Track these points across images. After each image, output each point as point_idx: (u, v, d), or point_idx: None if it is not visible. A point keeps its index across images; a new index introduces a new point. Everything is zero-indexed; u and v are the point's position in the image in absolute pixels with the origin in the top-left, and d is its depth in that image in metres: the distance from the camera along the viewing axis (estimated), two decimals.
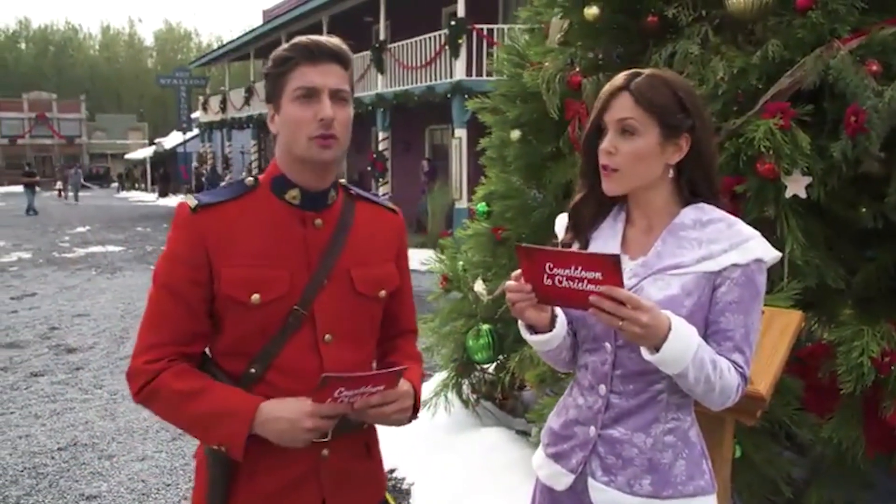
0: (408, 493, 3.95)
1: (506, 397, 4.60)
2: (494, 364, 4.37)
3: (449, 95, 14.01)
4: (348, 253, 1.60)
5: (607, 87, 1.55)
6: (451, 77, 14.23)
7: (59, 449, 4.64)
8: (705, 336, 1.51)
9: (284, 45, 1.54)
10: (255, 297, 1.51)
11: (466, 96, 4.41)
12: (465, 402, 4.50)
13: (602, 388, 1.59)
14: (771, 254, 1.52)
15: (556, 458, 1.67)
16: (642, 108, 1.49)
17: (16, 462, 4.45)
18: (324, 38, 1.54)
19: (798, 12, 2.69)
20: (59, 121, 55.63)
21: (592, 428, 1.60)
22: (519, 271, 1.49)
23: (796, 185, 2.51)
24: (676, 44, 3.09)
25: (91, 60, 75.80)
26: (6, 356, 6.85)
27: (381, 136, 16.93)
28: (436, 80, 14.80)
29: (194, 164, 33.24)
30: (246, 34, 24.98)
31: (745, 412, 2.01)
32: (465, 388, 4.52)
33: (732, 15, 2.95)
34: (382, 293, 1.66)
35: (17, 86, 61.35)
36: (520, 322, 1.60)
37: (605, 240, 1.64)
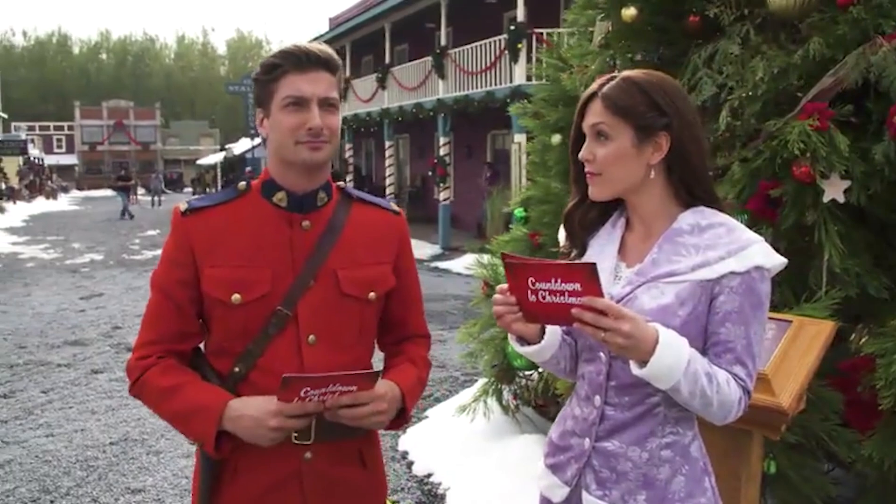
0: (443, 497, 3.93)
1: (546, 404, 4.54)
2: (535, 370, 4.32)
3: (508, 100, 13.95)
4: (337, 254, 1.60)
5: (584, 95, 1.54)
6: (510, 82, 14.19)
7: (111, 443, 4.78)
8: (705, 347, 1.45)
9: (273, 52, 1.56)
10: (236, 296, 1.53)
11: (526, 101, 4.38)
12: (505, 409, 4.45)
13: (597, 399, 1.54)
14: (774, 260, 1.45)
15: (553, 469, 1.63)
16: (611, 111, 1.47)
17: (70, 454, 4.61)
18: (312, 45, 1.55)
19: (840, 8, 2.57)
20: (135, 128, 57.83)
21: (587, 440, 1.55)
22: (505, 285, 1.46)
23: (834, 189, 2.39)
24: (717, 44, 3.00)
25: (166, 69, 78.51)
26: (70, 353, 7.11)
27: (442, 141, 16.97)
28: (496, 84, 14.78)
29: (248, 168, 33.94)
30: (310, 41, 25.36)
31: (767, 426, 1.93)
32: (506, 395, 4.47)
33: (774, 13, 2.85)
34: (372, 295, 1.64)
35: (97, 94, 64.09)
36: (510, 335, 1.57)
37: (602, 246, 1.59)
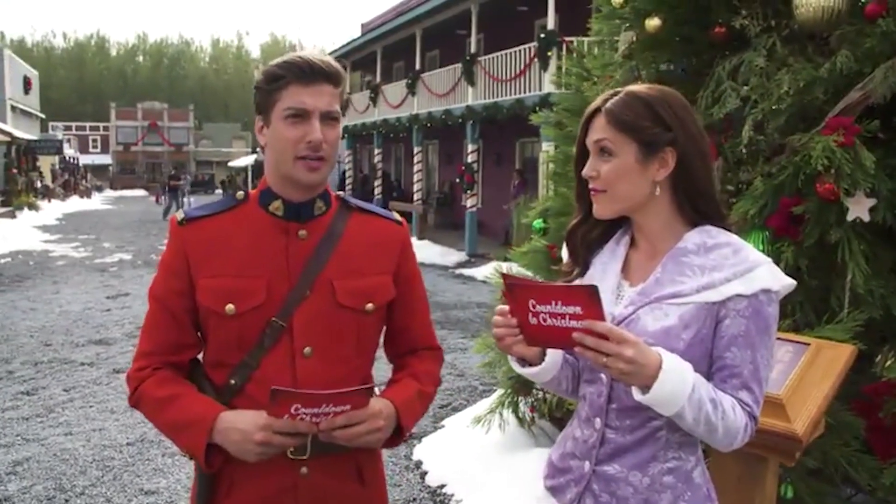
0: None
1: (563, 417, 4.47)
2: None
3: (537, 108, 13.88)
4: (334, 264, 1.57)
5: (587, 110, 1.50)
6: (540, 90, 14.12)
7: (128, 444, 4.81)
8: (710, 372, 1.40)
9: (276, 62, 1.53)
10: (230, 307, 1.50)
11: (549, 110, 4.34)
12: (521, 421, 4.40)
13: (597, 422, 1.49)
14: (781, 282, 1.39)
15: (553, 491, 1.58)
16: (615, 127, 1.42)
17: (87, 454, 4.65)
18: (317, 57, 1.52)
19: (868, 20, 2.50)
20: (168, 129, 58.61)
21: (587, 463, 1.50)
22: (504, 306, 1.41)
23: (859, 207, 2.32)
24: (742, 55, 2.94)
25: (201, 72, 79.59)
26: (94, 352, 7.18)
27: (470, 148, 16.95)
28: (525, 92, 14.72)
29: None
30: (342, 47, 25.57)
31: (781, 452, 1.86)
32: (522, 407, 4.42)
33: (802, 25, 2.78)
34: (370, 306, 1.60)
35: (133, 96, 65.17)
36: (510, 357, 1.52)
37: (605, 264, 1.55)
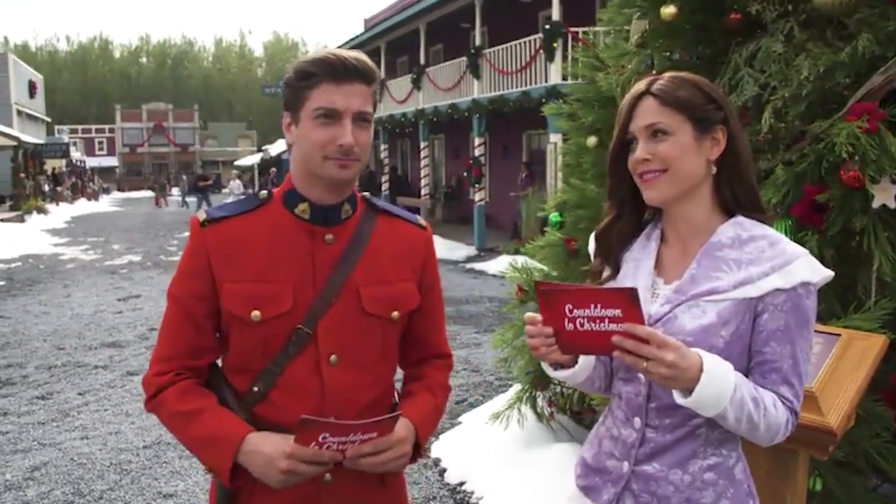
0: None
1: (582, 412, 4.44)
2: None
3: (544, 100, 13.81)
4: (360, 270, 1.53)
5: (629, 96, 1.45)
6: (546, 81, 14.06)
7: (145, 447, 4.80)
8: (749, 367, 1.37)
9: (308, 58, 1.47)
10: (256, 313, 1.47)
11: (561, 101, 4.29)
12: (539, 416, 4.37)
13: (637, 422, 1.46)
14: (820, 275, 1.36)
15: (587, 491, 1.55)
16: (670, 107, 1.39)
17: (104, 457, 4.64)
18: (350, 55, 1.45)
19: (890, 3, 2.45)
20: (174, 130, 58.67)
21: (626, 463, 1.47)
22: (534, 314, 1.37)
23: (885, 195, 2.27)
24: (759, 42, 2.89)
25: (205, 71, 79.61)
26: (107, 355, 7.18)
27: (477, 141, 16.89)
28: (531, 84, 14.66)
29: (272, 170, 34.02)
30: (345, 43, 25.51)
31: (815, 446, 1.82)
32: (540, 402, 4.39)
33: (820, 9, 2.73)
34: (396, 314, 1.57)
35: (137, 97, 65.27)
36: (543, 362, 1.49)
37: (637, 261, 1.51)
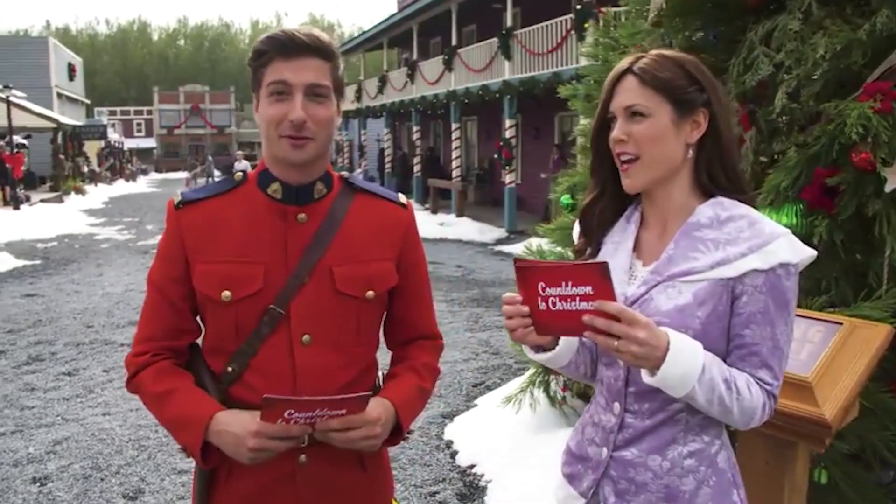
0: (484, 490, 3.85)
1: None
2: None
3: (574, 81, 13.63)
4: (334, 249, 1.51)
5: (612, 73, 1.40)
6: (577, 63, 13.86)
7: None
8: (728, 350, 1.32)
9: (262, 37, 1.47)
10: (226, 294, 1.46)
11: (574, 82, 4.22)
12: (552, 400, 4.33)
13: (616, 407, 1.43)
14: (801, 254, 1.30)
15: (570, 479, 1.53)
16: (650, 87, 1.34)
17: (123, 433, 4.72)
18: (302, 30, 1.45)
19: None
20: (210, 111, 59.21)
21: (605, 449, 1.44)
22: (513, 294, 1.34)
23: None
24: (776, 19, 2.79)
25: (241, 54, 79.91)
26: (131, 333, 7.27)
27: (508, 123, 16.76)
28: (562, 66, 14.48)
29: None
30: (379, 24, 25.44)
31: (810, 438, 1.77)
32: (554, 385, 4.35)
33: None
34: (371, 294, 1.54)
35: (175, 80, 65.96)
36: (523, 345, 1.45)
37: (616, 244, 1.47)
